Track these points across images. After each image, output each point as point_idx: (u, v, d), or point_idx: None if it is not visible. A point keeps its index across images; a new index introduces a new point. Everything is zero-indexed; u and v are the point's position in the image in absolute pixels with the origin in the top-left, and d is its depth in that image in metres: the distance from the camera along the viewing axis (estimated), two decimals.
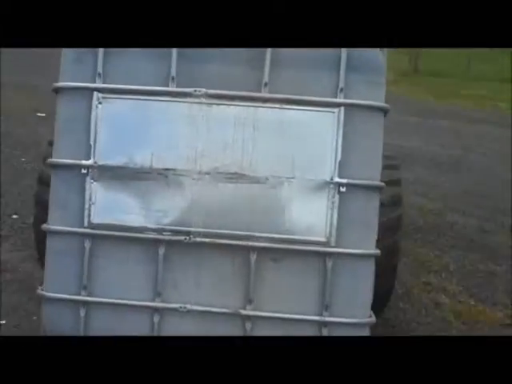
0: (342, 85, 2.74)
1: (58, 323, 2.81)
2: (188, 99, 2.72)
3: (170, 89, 2.75)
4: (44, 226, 2.82)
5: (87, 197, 2.75)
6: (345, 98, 2.73)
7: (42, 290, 2.83)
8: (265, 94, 2.72)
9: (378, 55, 2.84)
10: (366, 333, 2.83)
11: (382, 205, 2.84)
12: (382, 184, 2.79)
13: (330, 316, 2.73)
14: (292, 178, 2.71)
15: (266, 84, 2.72)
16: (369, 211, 2.79)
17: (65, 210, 2.79)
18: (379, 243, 2.80)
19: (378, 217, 2.81)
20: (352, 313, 2.77)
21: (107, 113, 2.76)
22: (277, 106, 2.71)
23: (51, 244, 2.82)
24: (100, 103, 2.75)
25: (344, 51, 2.79)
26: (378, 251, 2.80)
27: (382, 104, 2.78)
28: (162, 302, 2.75)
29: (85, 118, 2.77)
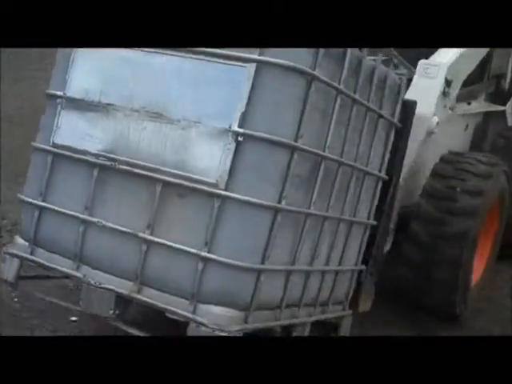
0: None
1: (25, 222, 3.45)
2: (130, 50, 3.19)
3: None
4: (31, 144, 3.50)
5: (55, 121, 3.36)
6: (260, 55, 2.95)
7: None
8: (187, 48, 3.06)
9: None
10: (247, 280, 2.99)
11: None
12: (284, 140, 2.94)
13: (209, 253, 2.95)
14: (199, 122, 3.01)
15: None
16: (267, 164, 2.97)
17: (44, 131, 3.44)
18: None
19: (280, 172, 2.98)
20: (233, 256, 2.95)
21: (80, 58, 3.35)
22: (196, 57, 3.04)
23: (32, 158, 3.49)
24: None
25: None
26: (276, 205, 2.96)
27: (294, 65, 2.93)
28: (89, 215, 3.23)
29: (67, 60, 3.38)
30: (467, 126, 6.11)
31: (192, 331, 2.93)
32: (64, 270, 3.26)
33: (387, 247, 4.61)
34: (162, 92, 3.11)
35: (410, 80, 4.58)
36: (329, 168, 3.34)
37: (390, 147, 4.03)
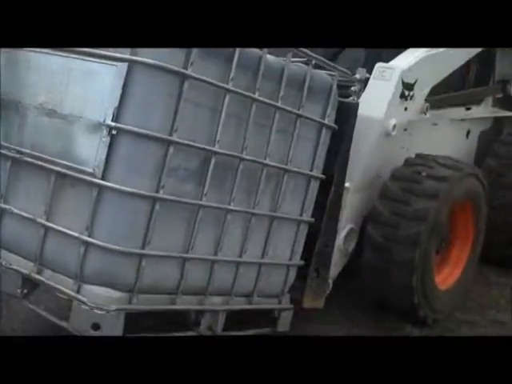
0: None
1: None
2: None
3: None
4: None
5: None
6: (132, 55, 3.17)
7: None
8: (76, 49, 3.33)
9: None
10: (126, 263, 3.22)
11: None
12: (153, 134, 3.15)
13: (89, 237, 3.21)
14: (81, 117, 3.28)
15: None
16: (140, 156, 3.19)
17: None
18: None
19: (154, 163, 3.19)
20: (111, 240, 3.19)
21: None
22: (80, 57, 3.31)
23: None
24: None
25: None
26: (148, 193, 3.18)
27: (161, 64, 3.13)
28: (3, 203, 3.57)
29: None
30: (468, 131, 6.01)
31: (74, 310, 3.19)
32: None
33: (349, 247, 4.69)
34: (55, 89, 3.41)
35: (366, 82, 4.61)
36: (226, 163, 3.51)
37: (322, 147, 4.11)
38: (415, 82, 4.78)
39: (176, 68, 3.16)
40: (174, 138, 3.21)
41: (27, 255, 3.44)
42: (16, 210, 3.49)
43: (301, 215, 4.12)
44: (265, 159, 3.72)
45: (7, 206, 3.55)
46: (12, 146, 3.54)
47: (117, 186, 3.16)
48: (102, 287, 3.20)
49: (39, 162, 3.41)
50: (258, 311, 4.05)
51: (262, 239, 3.90)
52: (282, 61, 3.73)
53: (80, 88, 3.32)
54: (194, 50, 3.20)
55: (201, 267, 3.57)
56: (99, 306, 3.13)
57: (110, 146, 3.17)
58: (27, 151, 3.47)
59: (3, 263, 3.50)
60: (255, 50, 3.53)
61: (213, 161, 3.41)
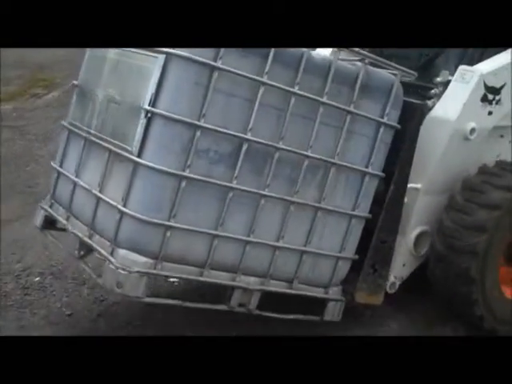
0: None
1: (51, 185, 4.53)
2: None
3: None
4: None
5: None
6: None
7: None
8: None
9: None
10: (152, 232, 3.63)
11: None
12: (179, 118, 3.54)
13: (124, 207, 3.67)
14: (132, 103, 3.76)
15: None
16: (168, 137, 3.61)
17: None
18: None
19: (181, 145, 3.59)
20: (141, 211, 3.63)
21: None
22: (136, 51, 3.82)
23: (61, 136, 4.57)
24: None
25: None
26: (173, 171, 3.58)
27: (191, 56, 3.52)
28: (76, 177, 4.17)
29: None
30: None
31: (105, 268, 3.67)
32: (61, 220, 4.25)
33: (422, 250, 4.71)
34: (117, 80, 3.96)
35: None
36: (262, 151, 3.79)
37: (380, 146, 4.22)
38: (502, 86, 4.66)
39: (202, 59, 3.54)
40: (201, 123, 3.57)
41: (86, 222, 3.99)
42: (81, 183, 4.06)
43: (353, 210, 4.24)
44: (306, 151, 3.93)
45: (77, 179, 4.14)
46: (84, 128, 4.12)
47: (148, 163, 3.59)
48: (131, 252, 3.61)
49: (99, 141, 3.96)
50: (302, 297, 4.22)
51: (305, 228, 4.09)
52: (331, 58, 3.93)
53: (133, 78, 3.82)
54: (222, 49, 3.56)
55: (232, 246, 3.86)
56: (124, 267, 3.57)
57: (146, 128, 3.60)
58: (93, 132, 4.03)
59: (69, 228, 4.08)
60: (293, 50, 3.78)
61: (244, 147, 3.71)
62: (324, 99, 3.89)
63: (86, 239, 3.91)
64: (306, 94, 3.83)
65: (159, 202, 3.64)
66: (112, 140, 3.85)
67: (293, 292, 4.15)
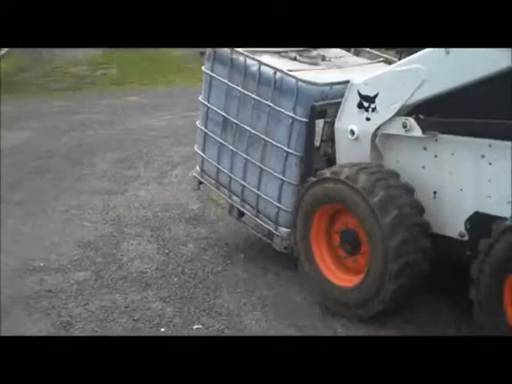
0: None
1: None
2: None
3: None
4: None
5: None
6: None
7: None
8: None
9: None
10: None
11: None
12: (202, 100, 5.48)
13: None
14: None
15: None
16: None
17: None
18: None
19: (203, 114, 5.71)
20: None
21: None
22: None
23: None
24: None
25: None
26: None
27: None
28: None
29: None
30: None
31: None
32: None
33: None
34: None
35: None
36: (230, 123, 5.42)
37: (294, 134, 4.99)
38: (376, 95, 4.67)
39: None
40: (209, 104, 5.64)
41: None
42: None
43: (283, 175, 5.28)
44: (250, 127, 5.35)
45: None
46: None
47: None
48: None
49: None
50: None
51: (256, 178, 5.34)
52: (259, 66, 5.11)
53: None
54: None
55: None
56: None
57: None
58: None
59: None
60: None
61: (226, 120, 5.49)
62: (254, 95, 5.15)
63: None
64: (244, 91, 5.23)
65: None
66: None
67: (258, 220, 5.42)
